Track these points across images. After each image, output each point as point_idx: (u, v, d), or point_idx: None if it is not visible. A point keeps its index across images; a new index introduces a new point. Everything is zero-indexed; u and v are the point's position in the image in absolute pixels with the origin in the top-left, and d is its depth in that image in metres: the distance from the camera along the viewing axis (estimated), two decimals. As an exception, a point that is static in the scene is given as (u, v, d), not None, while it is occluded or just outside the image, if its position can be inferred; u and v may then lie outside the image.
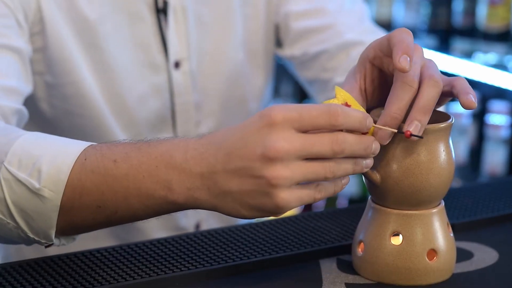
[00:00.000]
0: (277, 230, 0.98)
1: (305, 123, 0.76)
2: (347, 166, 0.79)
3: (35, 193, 0.82)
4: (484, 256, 0.93)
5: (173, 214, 1.23)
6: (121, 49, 1.16)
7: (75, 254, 0.91)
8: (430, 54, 2.38)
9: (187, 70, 1.21)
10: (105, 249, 0.92)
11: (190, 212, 1.25)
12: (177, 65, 1.20)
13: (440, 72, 0.84)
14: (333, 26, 1.23)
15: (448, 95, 0.85)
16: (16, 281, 0.85)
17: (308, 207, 2.86)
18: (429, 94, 0.81)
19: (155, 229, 1.25)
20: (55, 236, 0.86)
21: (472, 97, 0.82)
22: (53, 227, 0.84)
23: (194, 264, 0.89)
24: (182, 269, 0.87)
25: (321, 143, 0.77)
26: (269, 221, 1.01)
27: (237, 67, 1.25)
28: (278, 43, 1.29)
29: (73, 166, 0.82)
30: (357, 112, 0.78)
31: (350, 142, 0.77)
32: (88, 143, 0.85)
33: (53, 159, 0.83)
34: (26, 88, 1.04)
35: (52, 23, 1.10)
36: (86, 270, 0.87)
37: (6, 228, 0.85)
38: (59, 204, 0.83)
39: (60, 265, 0.88)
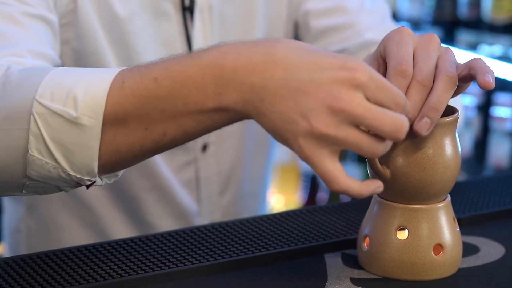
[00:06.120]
0: (282, 224, 0.98)
1: (374, 97, 0.73)
2: (384, 146, 0.76)
3: (73, 122, 0.78)
4: (491, 250, 0.93)
5: (189, 215, 1.23)
6: (147, 47, 1.15)
7: (78, 248, 0.90)
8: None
9: None
10: (109, 243, 0.92)
11: (204, 212, 1.25)
12: None
13: (456, 61, 0.83)
14: (354, 25, 1.22)
15: (467, 80, 0.83)
16: (18, 275, 0.85)
17: (312, 201, 2.86)
18: (443, 91, 0.80)
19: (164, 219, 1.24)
20: (98, 175, 0.81)
21: (490, 77, 0.81)
22: (95, 158, 0.79)
23: (198, 258, 0.88)
24: (186, 263, 0.87)
25: (386, 123, 0.73)
26: (274, 215, 1.01)
27: None
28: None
29: (110, 90, 0.78)
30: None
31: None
32: (124, 67, 0.81)
33: (88, 86, 0.78)
34: (58, 59, 1.02)
35: (84, 14, 1.09)
36: (89, 264, 0.87)
37: (45, 170, 0.80)
38: (100, 131, 0.78)
39: (63, 259, 0.88)
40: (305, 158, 0.75)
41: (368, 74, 0.73)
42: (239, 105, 0.75)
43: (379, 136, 0.75)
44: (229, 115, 0.77)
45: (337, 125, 0.73)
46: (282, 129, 0.75)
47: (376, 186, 0.78)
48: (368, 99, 0.74)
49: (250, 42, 0.76)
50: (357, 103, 0.73)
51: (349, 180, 0.75)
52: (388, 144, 0.76)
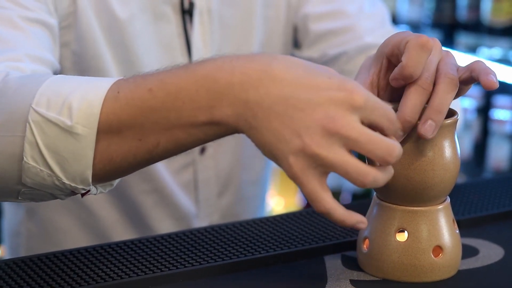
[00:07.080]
0: (282, 226, 0.98)
1: (368, 118, 0.74)
2: (373, 181, 0.75)
3: (67, 131, 0.78)
4: (490, 252, 0.93)
5: (188, 217, 1.23)
6: (146, 49, 1.15)
7: (78, 250, 0.90)
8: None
9: None
10: (108, 245, 0.92)
11: (202, 214, 1.25)
12: None
13: (457, 64, 0.83)
14: (353, 29, 1.22)
15: (468, 82, 0.84)
16: (19, 277, 0.85)
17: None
18: (444, 93, 0.80)
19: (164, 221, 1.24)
20: (92, 184, 0.81)
21: (493, 77, 0.81)
22: (89, 167, 0.79)
23: (198, 260, 0.88)
24: (186, 265, 0.87)
25: (379, 147, 0.74)
26: (273, 217, 1.01)
27: None
28: (296, 44, 1.28)
29: (105, 100, 0.78)
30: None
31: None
32: (121, 77, 0.81)
33: (83, 95, 0.78)
34: (57, 64, 1.02)
35: (84, 17, 1.09)
36: (89, 266, 0.87)
37: (39, 178, 0.80)
38: (94, 139, 0.78)
39: (63, 261, 0.88)
40: (293, 176, 0.75)
41: (365, 95, 0.74)
42: (231, 119, 0.76)
43: (370, 166, 0.75)
44: (221, 129, 0.77)
45: (329, 146, 0.73)
46: (274, 146, 0.75)
47: (360, 220, 0.77)
48: (362, 120, 0.74)
49: (245, 56, 0.76)
50: (352, 127, 0.73)
51: (335, 203, 0.76)
52: (381, 181, 0.76)
